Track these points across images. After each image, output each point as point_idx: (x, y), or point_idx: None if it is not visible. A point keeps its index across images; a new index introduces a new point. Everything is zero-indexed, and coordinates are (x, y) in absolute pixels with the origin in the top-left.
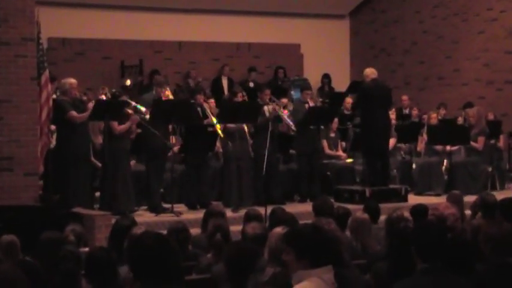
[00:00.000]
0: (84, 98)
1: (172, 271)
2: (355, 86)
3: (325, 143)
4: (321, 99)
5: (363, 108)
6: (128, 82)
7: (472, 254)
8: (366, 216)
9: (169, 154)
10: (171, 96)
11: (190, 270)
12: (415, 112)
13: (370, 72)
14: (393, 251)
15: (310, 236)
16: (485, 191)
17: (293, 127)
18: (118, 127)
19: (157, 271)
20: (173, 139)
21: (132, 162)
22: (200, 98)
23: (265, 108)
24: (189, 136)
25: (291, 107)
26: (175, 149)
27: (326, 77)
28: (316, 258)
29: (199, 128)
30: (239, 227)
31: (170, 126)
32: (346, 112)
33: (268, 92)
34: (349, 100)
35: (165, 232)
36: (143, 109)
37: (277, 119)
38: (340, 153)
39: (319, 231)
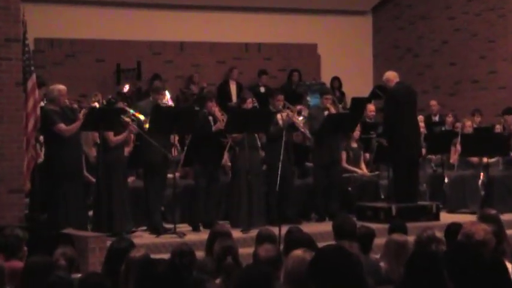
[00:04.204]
0: (75, 106)
1: None
2: (379, 91)
3: (343, 155)
4: (341, 105)
5: (391, 115)
6: (126, 88)
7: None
8: (405, 238)
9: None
10: (170, 103)
11: None
12: (449, 119)
13: (393, 76)
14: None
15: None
16: None
17: (308, 135)
18: (113, 138)
19: None
20: (175, 151)
21: (131, 179)
22: (212, 105)
23: (279, 116)
24: (193, 147)
25: (306, 113)
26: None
27: (336, 80)
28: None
29: (206, 138)
30: (249, 250)
31: (173, 137)
32: (368, 120)
33: (281, 97)
34: (371, 108)
35: (167, 255)
36: (142, 117)
37: (292, 127)
38: (362, 168)
39: (340, 258)
